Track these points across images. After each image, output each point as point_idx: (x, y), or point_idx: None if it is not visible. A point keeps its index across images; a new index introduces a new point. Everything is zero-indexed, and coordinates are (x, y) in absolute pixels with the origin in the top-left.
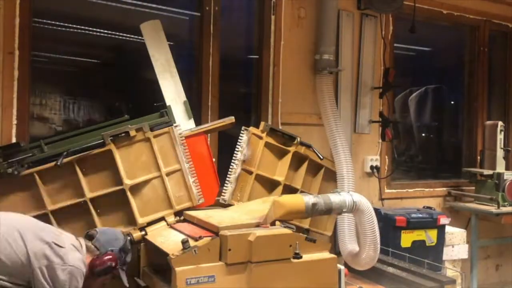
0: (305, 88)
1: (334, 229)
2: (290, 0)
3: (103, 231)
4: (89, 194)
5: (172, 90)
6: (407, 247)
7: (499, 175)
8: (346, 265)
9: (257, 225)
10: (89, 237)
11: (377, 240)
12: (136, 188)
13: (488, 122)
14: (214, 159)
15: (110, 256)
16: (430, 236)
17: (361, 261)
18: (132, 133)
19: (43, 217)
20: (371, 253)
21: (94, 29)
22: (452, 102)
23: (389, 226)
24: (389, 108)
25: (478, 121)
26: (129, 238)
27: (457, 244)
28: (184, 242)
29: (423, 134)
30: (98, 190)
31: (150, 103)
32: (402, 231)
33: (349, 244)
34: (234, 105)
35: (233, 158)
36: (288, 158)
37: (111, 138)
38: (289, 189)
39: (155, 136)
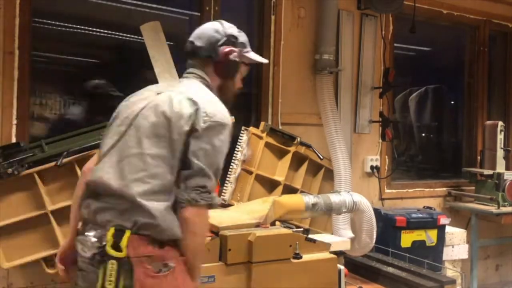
0: (305, 88)
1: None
2: (290, 0)
3: (198, 36)
4: None
5: None
6: (407, 247)
7: (499, 175)
8: (346, 265)
9: (257, 225)
10: (189, 53)
11: (374, 228)
12: None
13: (488, 122)
14: None
15: (226, 50)
16: (430, 236)
17: (357, 248)
18: None
19: (43, 217)
20: (367, 240)
21: (94, 29)
22: (452, 102)
23: (389, 226)
24: (389, 108)
25: (478, 121)
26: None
27: (457, 244)
28: None
29: (423, 134)
30: None
31: None
32: (402, 231)
33: (343, 231)
34: (234, 105)
35: (233, 158)
36: (288, 158)
37: None
38: (289, 189)
39: None
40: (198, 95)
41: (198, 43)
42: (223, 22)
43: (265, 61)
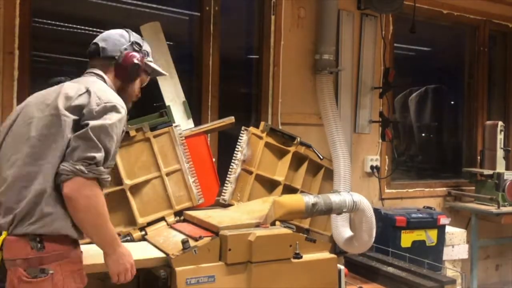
0: (305, 88)
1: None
2: (290, 0)
3: (103, 38)
4: None
5: (171, 91)
6: (407, 247)
7: (499, 175)
8: (346, 265)
9: (257, 225)
10: (93, 54)
11: (373, 227)
12: (136, 188)
13: (488, 122)
14: (214, 159)
15: (131, 53)
16: (430, 236)
17: (356, 246)
18: (132, 133)
19: None
20: (366, 238)
21: (94, 29)
22: (452, 102)
23: (389, 226)
24: (389, 108)
25: (478, 121)
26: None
27: (457, 244)
28: (184, 242)
29: (423, 134)
30: None
31: (150, 103)
32: (402, 231)
33: (341, 228)
34: (234, 105)
35: (233, 158)
36: (288, 158)
37: None
38: (289, 189)
39: (155, 136)
40: (93, 85)
41: (102, 44)
42: (130, 30)
43: (164, 73)
